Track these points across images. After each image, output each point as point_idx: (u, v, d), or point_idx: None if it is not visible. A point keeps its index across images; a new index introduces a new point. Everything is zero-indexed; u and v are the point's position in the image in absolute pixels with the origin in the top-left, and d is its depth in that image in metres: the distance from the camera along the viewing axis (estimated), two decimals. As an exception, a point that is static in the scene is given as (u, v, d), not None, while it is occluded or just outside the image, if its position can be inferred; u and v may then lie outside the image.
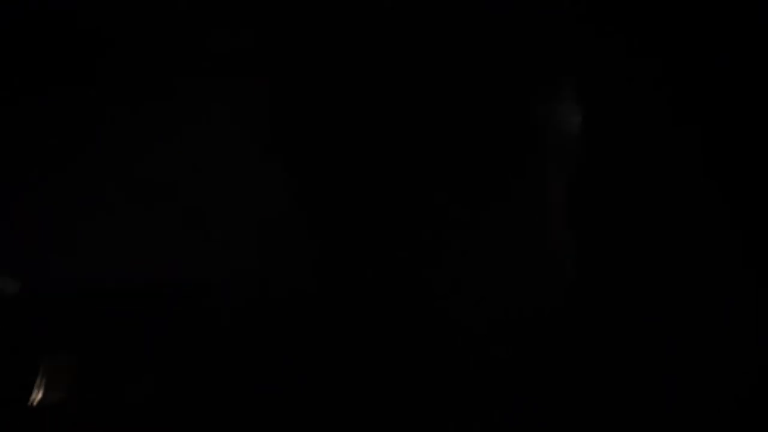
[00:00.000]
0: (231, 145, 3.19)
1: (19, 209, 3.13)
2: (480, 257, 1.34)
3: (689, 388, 1.50)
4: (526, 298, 1.40)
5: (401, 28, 1.26)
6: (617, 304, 1.59)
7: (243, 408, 1.49)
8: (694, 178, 2.31)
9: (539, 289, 1.40)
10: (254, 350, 1.56)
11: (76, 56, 3.11)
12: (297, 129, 1.40)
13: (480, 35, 1.30)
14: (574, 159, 1.47)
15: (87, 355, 2.86)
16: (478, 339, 1.38)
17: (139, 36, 3.19)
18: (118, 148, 3.17)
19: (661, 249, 2.18)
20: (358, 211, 1.32)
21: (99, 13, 3.12)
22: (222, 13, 3.25)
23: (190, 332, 2.74)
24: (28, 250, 3.12)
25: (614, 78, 1.64)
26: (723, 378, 1.56)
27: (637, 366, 1.53)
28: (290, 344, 1.47)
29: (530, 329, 1.44)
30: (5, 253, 3.07)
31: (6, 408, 2.76)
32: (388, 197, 1.38)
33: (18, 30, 3.06)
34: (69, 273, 3.08)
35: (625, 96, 2.13)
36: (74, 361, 2.85)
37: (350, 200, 1.27)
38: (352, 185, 1.30)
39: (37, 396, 2.77)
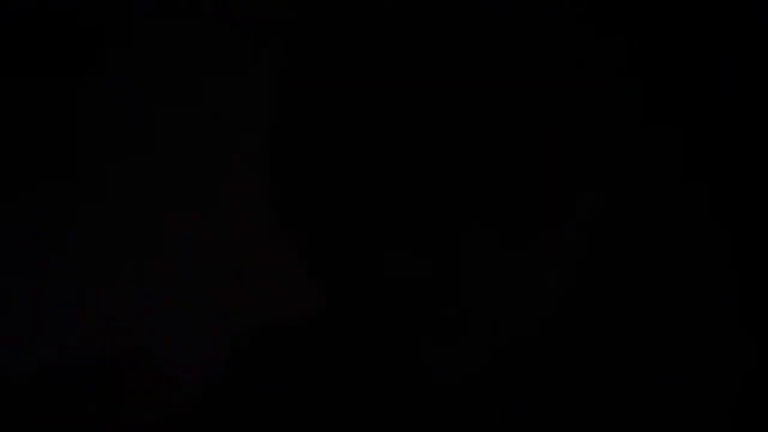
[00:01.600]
0: (232, 145, 3.19)
1: (24, 213, 3.13)
2: (482, 259, 1.34)
3: (689, 388, 1.50)
4: (527, 299, 1.40)
5: (401, 28, 1.26)
6: (619, 305, 1.60)
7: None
8: (696, 179, 2.32)
9: (541, 290, 1.40)
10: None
11: (74, 55, 3.11)
12: (300, 131, 1.41)
13: (480, 34, 1.30)
14: (576, 162, 1.47)
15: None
16: (478, 340, 1.38)
17: (138, 35, 3.19)
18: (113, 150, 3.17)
19: (664, 250, 2.18)
20: (363, 214, 1.33)
21: (99, 12, 3.12)
22: (221, 12, 3.24)
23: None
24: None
25: (615, 78, 1.64)
26: (723, 378, 1.57)
27: (638, 367, 1.54)
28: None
29: (532, 331, 1.44)
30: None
31: None
32: (389, 199, 1.38)
33: (17, 28, 3.05)
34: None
35: (626, 96, 2.13)
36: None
37: (356, 203, 1.27)
38: (358, 188, 1.29)
39: None
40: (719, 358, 1.56)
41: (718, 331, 1.61)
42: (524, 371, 1.38)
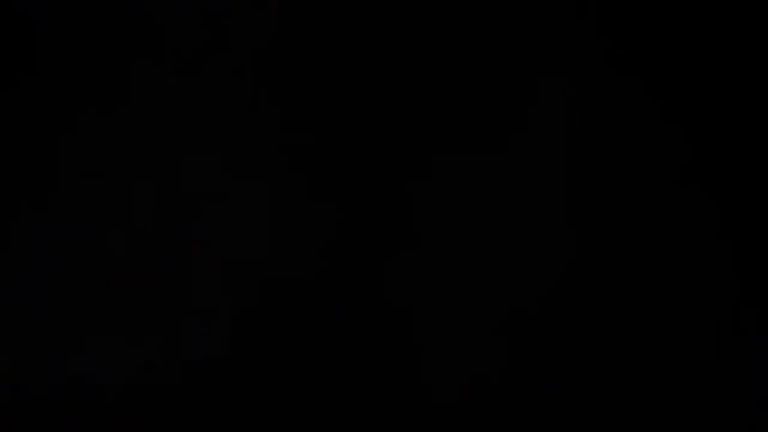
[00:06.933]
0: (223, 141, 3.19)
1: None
2: (476, 253, 1.34)
3: (688, 388, 1.50)
4: (521, 294, 1.40)
5: (400, 24, 1.26)
6: (613, 303, 1.59)
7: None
8: (693, 178, 2.31)
9: (533, 285, 1.40)
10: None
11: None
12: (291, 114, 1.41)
13: (478, 28, 1.30)
14: (572, 156, 1.47)
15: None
16: (469, 337, 1.38)
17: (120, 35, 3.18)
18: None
19: (660, 249, 2.17)
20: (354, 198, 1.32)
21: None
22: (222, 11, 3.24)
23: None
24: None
25: (613, 75, 1.64)
26: (722, 378, 1.56)
27: (635, 366, 1.53)
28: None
29: (525, 326, 1.44)
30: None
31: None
32: (380, 194, 1.38)
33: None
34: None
35: (623, 94, 2.12)
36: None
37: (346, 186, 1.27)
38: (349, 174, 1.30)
39: None
40: (717, 358, 1.56)
41: (717, 331, 1.61)
42: (522, 367, 1.38)
